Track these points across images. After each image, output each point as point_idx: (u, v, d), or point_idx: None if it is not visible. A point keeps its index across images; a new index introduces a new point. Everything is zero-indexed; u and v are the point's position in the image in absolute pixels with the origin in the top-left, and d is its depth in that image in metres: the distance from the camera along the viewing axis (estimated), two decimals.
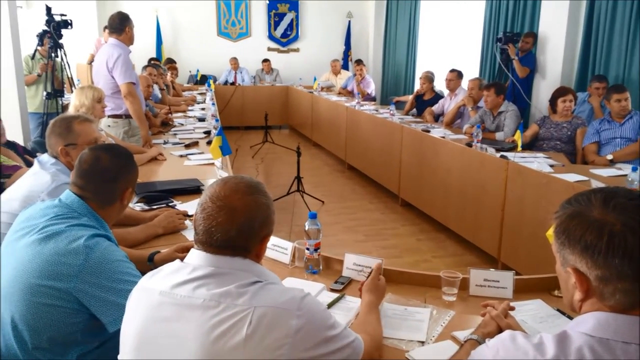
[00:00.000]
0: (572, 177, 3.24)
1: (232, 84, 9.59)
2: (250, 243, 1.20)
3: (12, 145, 3.19)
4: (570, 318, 1.56)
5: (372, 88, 8.23)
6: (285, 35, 10.60)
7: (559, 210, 1.00)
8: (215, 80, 9.45)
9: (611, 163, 3.88)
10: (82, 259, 1.45)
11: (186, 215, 2.38)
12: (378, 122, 5.78)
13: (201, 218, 1.17)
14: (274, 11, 10.47)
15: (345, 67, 10.12)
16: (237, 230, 1.16)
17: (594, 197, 0.96)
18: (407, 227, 4.77)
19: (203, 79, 9.62)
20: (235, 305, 1.08)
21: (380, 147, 5.68)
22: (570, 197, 1.00)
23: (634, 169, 3.00)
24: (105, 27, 7.04)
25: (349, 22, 10.67)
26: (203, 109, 6.43)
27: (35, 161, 2.17)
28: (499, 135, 4.69)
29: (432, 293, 1.76)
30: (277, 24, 10.53)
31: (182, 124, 5.22)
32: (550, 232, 1.64)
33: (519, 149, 3.79)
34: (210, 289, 1.11)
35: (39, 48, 5.59)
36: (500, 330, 1.40)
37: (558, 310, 1.63)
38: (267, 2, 10.41)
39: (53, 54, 5.42)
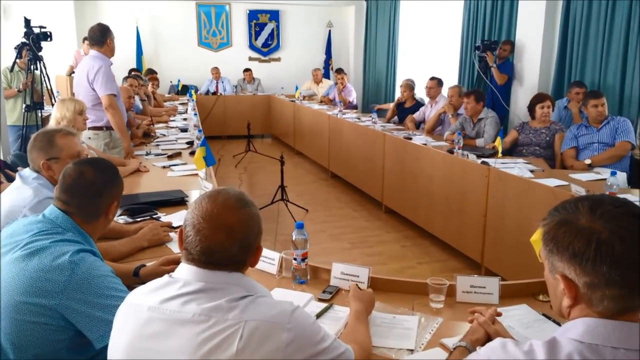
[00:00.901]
0: (552, 182, 3.30)
1: (214, 93, 9.57)
2: (247, 256, 1.21)
3: None
4: (557, 323, 1.58)
5: (354, 96, 8.28)
6: (266, 44, 10.62)
7: (546, 218, 1.02)
8: (196, 90, 9.42)
9: (589, 167, 3.95)
10: (67, 275, 1.44)
11: (171, 227, 2.37)
12: (360, 130, 5.81)
13: (197, 240, 1.15)
14: (254, 21, 10.48)
15: (326, 75, 10.16)
16: (238, 247, 1.17)
17: (581, 205, 0.98)
18: (392, 234, 4.80)
19: (184, 89, 9.58)
20: (225, 320, 1.08)
21: (363, 154, 5.71)
22: (557, 205, 1.02)
23: (613, 174, 3.05)
24: (85, 39, 7.02)
25: (329, 31, 10.74)
26: (185, 119, 6.40)
27: (17, 176, 2.14)
28: (479, 142, 4.75)
29: (420, 300, 1.77)
30: (258, 34, 10.54)
31: (165, 135, 5.18)
32: (534, 238, 1.66)
33: (500, 155, 3.84)
34: (201, 304, 1.11)
35: (17, 60, 5.52)
36: (488, 336, 1.41)
37: (544, 315, 1.65)
38: (248, 12, 10.42)
39: (32, 67, 5.36)
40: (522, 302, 1.74)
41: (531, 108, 4.57)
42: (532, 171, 3.64)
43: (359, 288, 1.72)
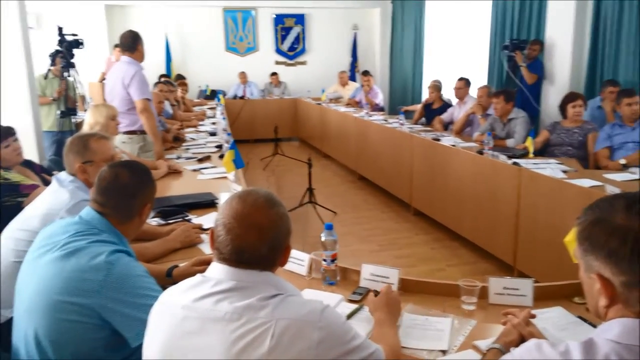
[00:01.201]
0: (586, 183, 3.22)
1: (241, 98, 9.66)
2: (277, 255, 1.22)
3: (29, 163, 3.23)
4: (592, 325, 1.55)
5: (380, 98, 8.25)
6: (292, 48, 10.69)
7: (581, 216, 1.00)
8: (224, 94, 9.52)
9: (624, 167, 3.85)
10: (103, 275, 1.47)
11: (202, 229, 2.40)
12: (388, 132, 5.79)
13: (228, 239, 1.17)
14: (280, 25, 10.56)
15: (352, 78, 10.17)
16: (268, 246, 1.18)
17: (616, 202, 0.96)
18: (421, 236, 4.76)
19: (213, 94, 9.70)
20: (257, 318, 1.09)
21: (390, 156, 5.69)
22: (592, 203, 1.00)
23: None
24: (116, 45, 7.17)
25: (355, 34, 10.74)
26: (214, 123, 6.48)
27: (54, 179, 2.19)
28: (509, 142, 4.68)
29: (451, 302, 1.75)
30: (284, 38, 10.62)
31: (194, 139, 5.26)
32: (568, 238, 1.64)
33: (531, 155, 3.78)
34: (233, 302, 1.12)
35: (51, 68, 5.68)
36: (522, 338, 1.39)
37: (579, 317, 1.62)
38: (274, 16, 10.50)
39: (65, 74, 5.51)
40: (557, 304, 1.70)
41: (563, 107, 4.49)
42: (564, 171, 3.56)
43: (377, 292, 1.70)
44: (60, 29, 5.44)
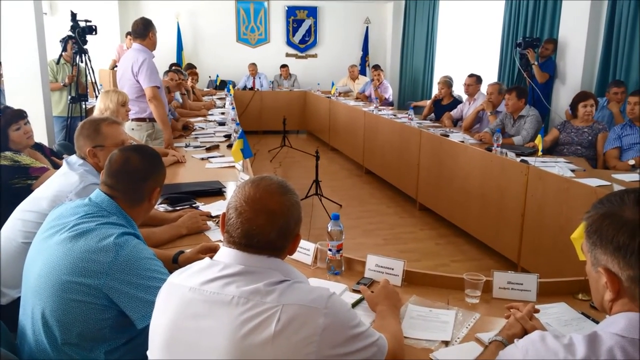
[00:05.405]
0: (594, 182, 3.21)
1: (251, 89, 9.66)
2: (286, 243, 1.22)
3: (39, 147, 3.26)
4: (596, 322, 1.55)
5: (390, 93, 8.24)
6: (304, 41, 10.67)
7: (590, 210, 1.00)
8: (234, 85, 9.53)
9: (633, 168, 3.83)
10: (111, 257, 1.48)
11: (209, 216, 2.42)
12: (396, 127, 5.78)
13: (238, 222, 1.18)
14: (292, 17, 10.54)
15: (362, 72, 10.14)
16: (277, 231, 1.19)
17: (627, 197, 0.96)
18: (426, 232, 4.76)
19: (222, 84, 9.71)
20: (263, 303, 1.10)
21: (398, 151, 5.68)
22: (602, 197, 1.01)
23: None
24: (128, 33, 7.20)
25: (367, 27, 10.71)
26: (223, 113, 6.49)
27: (64, 162, 2.21)
28: (516, 140, 4.65)
29: (455, 295, 1.75)
30: (295, 30, 10.60)
31: (203, 128, 5.28)
32: (574, 235, 1.64)
33: (540, 153, 3.77)
34: (240, 287, 1.13)
35: (63, 53, 5.70)
36: (525, 332, 1.39)
37: (583, 313, 1.62)
38: (286, 8, 10.48)
39: (77, 59, 5.53)
40: (561, 300, 1.71)
41: (574, 106, 4.46)
42: (573, 170, 3.55)
43: (373, 287, 1.72)
44: (73, 15, 5.46)
